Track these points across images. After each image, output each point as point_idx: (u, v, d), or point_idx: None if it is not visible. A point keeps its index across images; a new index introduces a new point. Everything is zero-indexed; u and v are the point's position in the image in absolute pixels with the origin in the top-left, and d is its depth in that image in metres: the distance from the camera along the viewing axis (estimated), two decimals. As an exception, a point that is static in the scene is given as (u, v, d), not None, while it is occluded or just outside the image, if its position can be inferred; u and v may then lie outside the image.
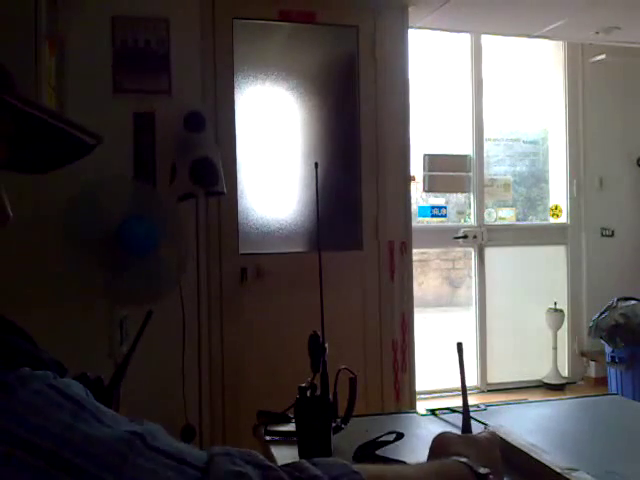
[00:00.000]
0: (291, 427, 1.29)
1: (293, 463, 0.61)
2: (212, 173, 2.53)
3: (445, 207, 5.01)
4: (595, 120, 4.97)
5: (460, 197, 5.11)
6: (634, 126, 5.03)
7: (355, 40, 3.20)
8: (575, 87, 5.01)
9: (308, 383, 1.22)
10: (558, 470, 1.01)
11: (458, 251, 5.63)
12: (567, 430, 1.41)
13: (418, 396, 3.36)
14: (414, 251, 3.29)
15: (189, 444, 0.54)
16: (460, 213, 5.17)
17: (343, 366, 1.27)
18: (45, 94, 2.20)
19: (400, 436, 1.19)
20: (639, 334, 4.03)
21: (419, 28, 3.70)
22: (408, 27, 3.27)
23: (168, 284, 2.47)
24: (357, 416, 1.35)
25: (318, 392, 1.21)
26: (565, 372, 5.01)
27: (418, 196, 4.92)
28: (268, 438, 1.31)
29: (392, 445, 1.18)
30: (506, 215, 5.16)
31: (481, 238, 4.81)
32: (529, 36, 4.02)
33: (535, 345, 4.94)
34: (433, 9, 3.36)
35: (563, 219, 5.06)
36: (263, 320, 3.00)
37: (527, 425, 1.39)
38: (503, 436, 1.18)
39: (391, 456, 1.13)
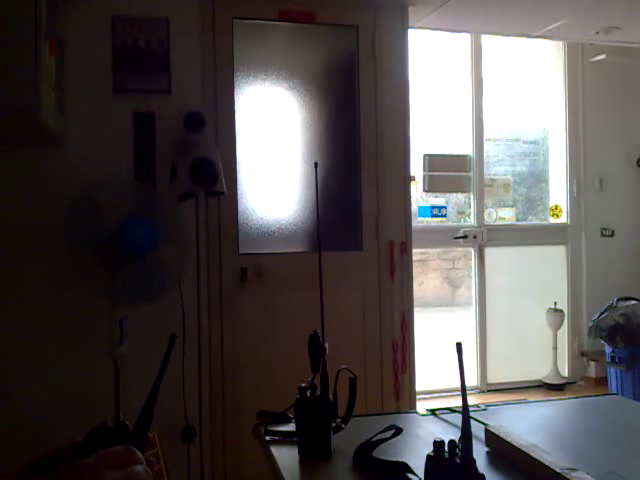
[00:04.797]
0: (291, 427, 1.29)
1: None
2: (212, 173, 2.53)
3: (445, 207, 5.01)
4: (595, 120, 4.98)
5: (460, 197, 5.12)
6: (634, 126, 5.03)
7: (355, 40, 3.20)
8: (575, 87, 5.01)
9: (308, 383, 1.22)
10: (558, 470, 1.01)
11: (458, 251, 5.63)
12: (567, 430, 1.41)
13: (418, 396, 3.36)
14: (414, 251, 3.29)
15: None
16: (460, 213, 5.17)
17: (343, 366, 1.27)
18: (45, 94, 2.20)
19: (399, 431, 1.19)
20: (639, 334, 4.03)
21: (419, 28, 3.70)
22: (408, 27, 3.26)
23: (168, 284, 2.47)
24: (357, 416, 1.35)
25: (318, 392, 1.21)
26: (565, 372, 5.01)
27: (418, 196, 4.92)
28: (268, 438, 1.31)
29: (392, 445, 1.18)
30: (506, 215, 5.17)
31: (481, 238, 4.81)
32: (529, 36, 4.02)
33: (535, 345, 4.94)
34: (433, 9, 3.36)
35: (563, 219, 5.06)
36: (263, 320, 3.00)
37: (527, 425, 1.39)
38: (503, 436, 1.18)
39: (391, 456, 1.13)
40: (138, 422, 0.62)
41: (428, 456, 0.96)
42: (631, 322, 4.06)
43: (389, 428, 1.21)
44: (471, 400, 0.97)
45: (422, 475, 0.99)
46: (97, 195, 2.34)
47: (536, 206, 5.39)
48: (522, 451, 1.11)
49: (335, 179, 3.21)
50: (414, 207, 4.62)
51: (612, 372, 4.25)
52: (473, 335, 4.87)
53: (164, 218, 2.47)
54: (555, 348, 4.88)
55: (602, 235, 5.02)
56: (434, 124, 4.95)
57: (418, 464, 1.02)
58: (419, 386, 3.36)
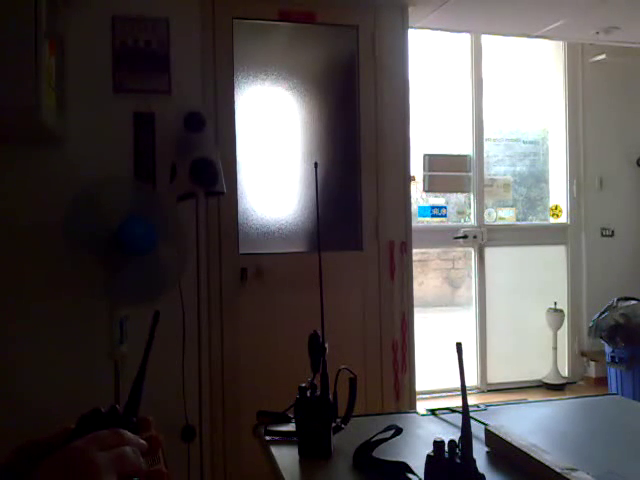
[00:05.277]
0: (291, 427, 1.29)
1: None
2: (212, 173, 2.53)
3: (445, 207, 5.00)
4: (595, 120, 4.97)
5: (460, 197, 5.11)
6: (634, 126, 5.03)
7: (355, 40, 3.20)
8: (575, 87, 5.01)
9: (308, 383, 1.22)
10: (558, 470, 1.01)
11: (458, 251, 5.63)
12: (567, 430, 1.41)
13: (418, 396, 3.36)
14: (414, 251, 3.29)
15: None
16: (460, 213, 5.17)
17: (343, 366, 1.27)
18: (45, 94, 2.20)
19: (399, 431, 1.19)
20: (639, 334, 4.03)
21: (419, 28, 3.70)
22: (408, 27, 3.27)
23: (168, 284, 2.47)
24: (357, 416, 1.35)
25: (318, 392, 1.21)
26: (565, 372, 5.01)
27: (418, 196, 4.92)
28: (268, 438, 1.31)
29: (392, 445, 1.18)
30: (506, 215, 5.16)
31: (481, 238, 4.81)
32: (529, 36, 4.02)
33: (535, 345, 4.94)
34: (433, 9, 3.36)
35: (563, 219, 5.06)
36: (263, 320, 3.00)
37: (527, 425, 1.39)
38: (503, 436, 1.18)
39: (391, 456, 1.13)
40: (127, 406, 0.62)
41: (428, 456, 0.96)
42: (631, 322, 4.06)
43: (389, 428, 1.21)
44: (471, 400, 0.97)
45: (422, 475, 0.99)
46: (97, 195, 2.34)
47: (536, 206, 5.38)
48: (522, 451, 1.11)
49: (335, 179, 3.21)
50: (414, 207, 4.62)
51: (612, 372, 4.25)
52: (473, 335, 4.87)
53: (164, 218, 2.47)
54: (555, 348, 4.88)
55: (602, 235, 5.02)
56: (434, 124, 4.94)
57: (418, 464, 1.02)
58: (419, 386, 3.36)
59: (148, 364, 0.65)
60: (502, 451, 1.18)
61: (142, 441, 0.58)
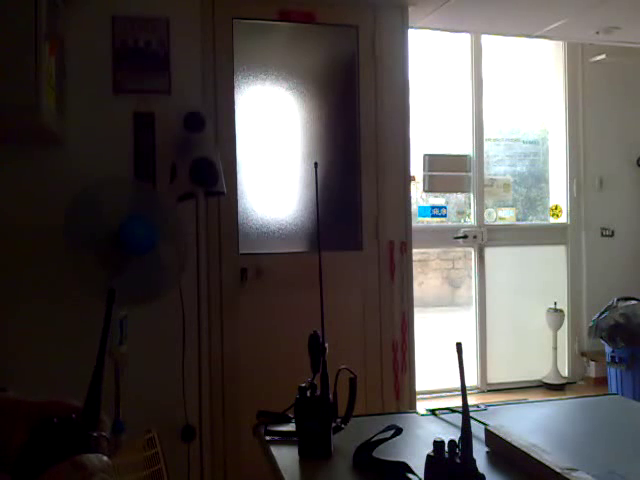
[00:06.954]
0: (291, 427, 1.29)
1: None
2: (212, 173, 2.53)
3: (445, 207, 5.01)
4: (595, 120, 4.97)
5: (460, 197, 5.12)
6: (634, 126, 5.03)
7: (355, 40, 3.20)
8: (575, 87, 5.01)
9: (308, 383, 1.22)
10: (558, 470, 1.01)
11: (458, 251, 5.64)
12: (567, 430, 1.41)
13: (418, 396, 3.36)
14: (414, 251, 3.29)
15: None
16: (460, 213, 5.17)
17: (343, 366, 1.27)
18: (45, 94, 2.20)
19: (399, 431, 1.19)
20: (639, 334, 4.03)
21: (419, 28, 3.70)
22: (408, 27, 3.27)
23: (168, 284, 2.47)
24: (357, 416, 1.35)
25: (318, 392, 1.21)
26: (565, 372, 5.01)
27: (418, 196, 4.92)
28: (268, 438, 1.31)
29: (392, 445, 1.18)
30: (506, 215, 5.16)
31: (481, 238, 4.81)
32: (529, 36, 4.02)
33: (535, 345, 4.94)
34: (433, 9, 3.36)
35: (563, 219, 5.06)
36: (263, 320, 3.00)
37: (527, 425, 1.39)
38: (503, 436, 1.18)
39: (391, 456, 1.13)
40: (84, 416, 0.57)
41: (428, 456, 0.96)
42: (631, 322, 4.06)
43: (389, 428, 1.21)
44: (471, 400, 0.97)
45: (422, 475, 0.99)
46: (97, 195, 2.34)
47: (536, 206, 5.38)
48: (522, 451, 1.11)
49: (335, 179, 3.21)
50: (414, 207, 4.61)
51: (612, 372, 4.25)
52: (473, 335, 4.87)
53: (164, 218, 2.47)
54: (555, 348, 4.88)
55: (602, 235, 5.02)
56: (434, 124, 4.94)
57: (418, 464, 1.02)
58: (419, 386, 3.36)
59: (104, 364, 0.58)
60: (502, 451, 1.18)
61: (105, 458, 0.51)
